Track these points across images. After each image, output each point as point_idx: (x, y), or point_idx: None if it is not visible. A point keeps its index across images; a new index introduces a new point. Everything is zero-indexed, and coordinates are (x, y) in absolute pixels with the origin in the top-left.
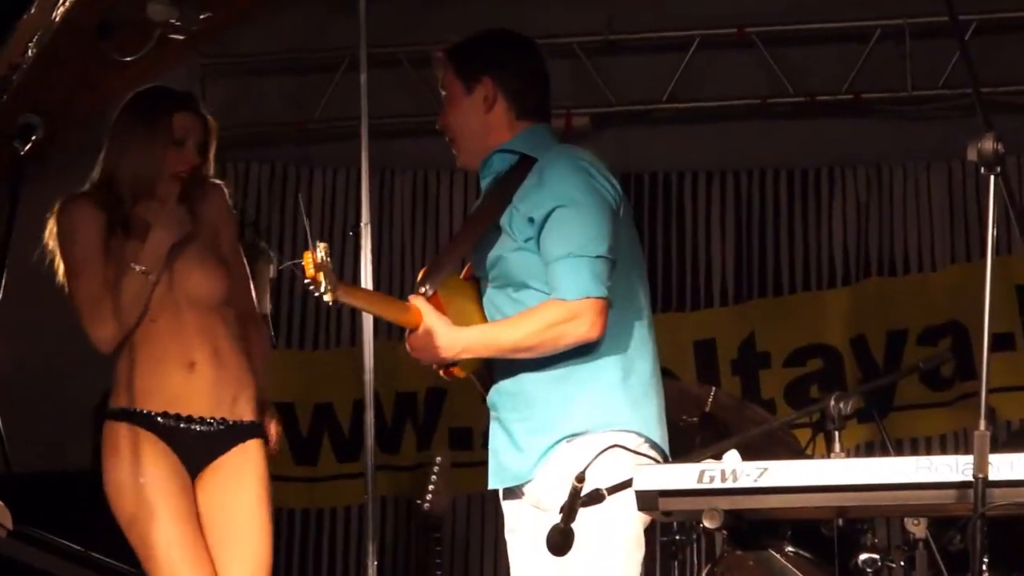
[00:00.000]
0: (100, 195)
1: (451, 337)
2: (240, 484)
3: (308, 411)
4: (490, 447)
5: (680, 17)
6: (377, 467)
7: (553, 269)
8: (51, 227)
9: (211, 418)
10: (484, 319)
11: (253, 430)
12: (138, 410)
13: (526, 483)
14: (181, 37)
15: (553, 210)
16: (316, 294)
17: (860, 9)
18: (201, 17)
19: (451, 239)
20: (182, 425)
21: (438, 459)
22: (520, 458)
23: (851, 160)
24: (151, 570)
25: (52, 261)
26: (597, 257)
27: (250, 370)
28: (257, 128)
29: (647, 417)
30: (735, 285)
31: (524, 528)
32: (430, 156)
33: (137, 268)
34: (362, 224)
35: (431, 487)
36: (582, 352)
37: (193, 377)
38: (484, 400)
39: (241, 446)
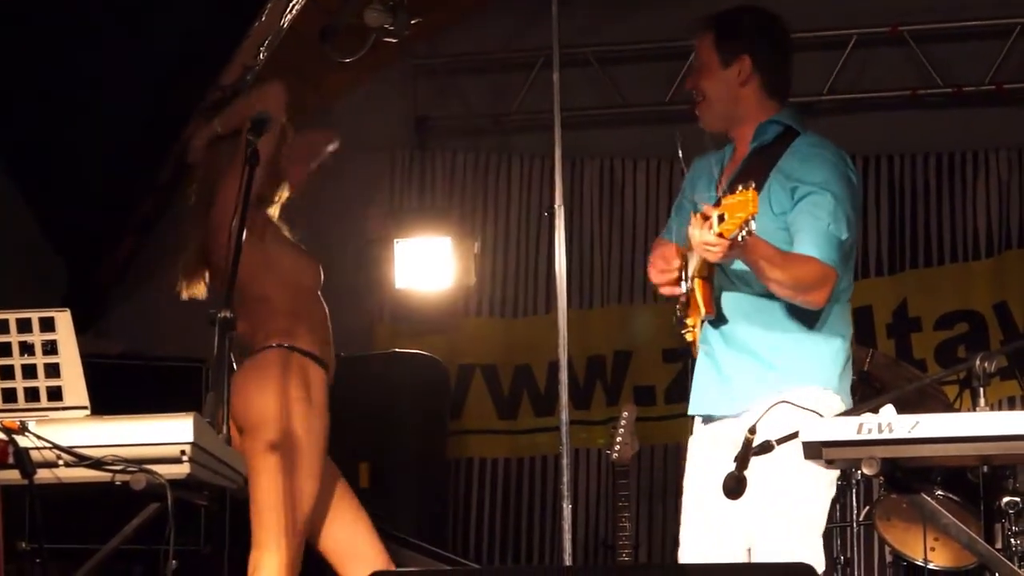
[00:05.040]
0: None
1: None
2: None
3: (509, 372)
4: (696, 378)
5: (838, 17)
6: (571, 422)
7: (811, 233)
8: None
9: None
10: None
11: None
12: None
13: (727, 418)
14: (394, 40)
15: (815, 191)
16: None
17: (1002, 8)
18: (412, 22)
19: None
20: None
21: (624, 414)
22: (729, 394)
23: (994, 144)
24: None
25: None
26: (846, 239)
27: None
28: (462, 120)
29: (846, 385)
30: (889, 257)
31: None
32: (616, 146)
33: None
34: (555, 206)
35: (618, 439)
36: (813, 318)
37: None
38: (677, 322)
39: None
